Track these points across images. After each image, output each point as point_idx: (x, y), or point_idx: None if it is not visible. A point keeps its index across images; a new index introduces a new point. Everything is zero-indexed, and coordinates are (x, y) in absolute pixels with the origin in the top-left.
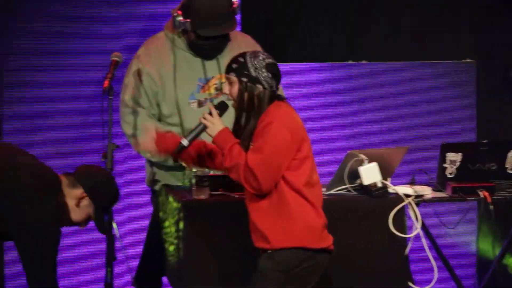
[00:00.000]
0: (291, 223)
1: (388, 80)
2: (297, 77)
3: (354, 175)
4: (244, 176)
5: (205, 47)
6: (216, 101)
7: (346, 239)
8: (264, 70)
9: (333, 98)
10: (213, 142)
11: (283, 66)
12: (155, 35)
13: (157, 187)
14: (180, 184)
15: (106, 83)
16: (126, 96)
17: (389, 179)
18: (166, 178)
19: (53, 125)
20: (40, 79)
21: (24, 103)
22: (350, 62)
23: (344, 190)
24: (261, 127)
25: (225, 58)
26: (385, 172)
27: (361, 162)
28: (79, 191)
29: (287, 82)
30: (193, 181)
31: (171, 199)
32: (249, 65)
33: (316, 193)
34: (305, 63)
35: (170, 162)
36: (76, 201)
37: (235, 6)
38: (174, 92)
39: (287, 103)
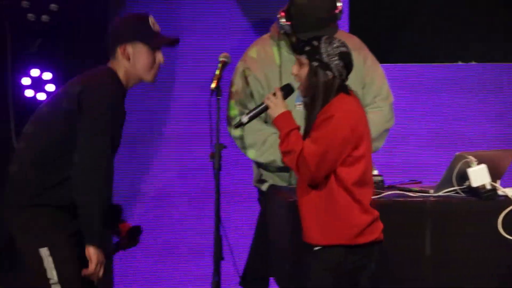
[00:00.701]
0: (332, 219)
1: (494, 81)
2: (415, 77)
3: (463, 177)
4: (297, 164)
5: None
6: None
7: (454, 241)
8: (336, 57)
9: (441, 97)
10: (273, 123)
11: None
12: (261, 37)
13: (264, 188)
14: (286, 184)
15: (214, 83)
16: (234, 97)
17: (499, 181)
18: (273, 178)
19: (160, 125)
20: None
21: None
22: (459, 62)
23: (453, 192)
24: (322, 118)
25: None
26: (495, 174)
27: (469, 164)
28: (117, 52)
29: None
30: None
31: (278, 200)
32: (322, 50)
33: (365, 191)
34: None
35: (278, 163)
36: (124, 58)
37: (337, 11)
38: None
39: (354, 95)
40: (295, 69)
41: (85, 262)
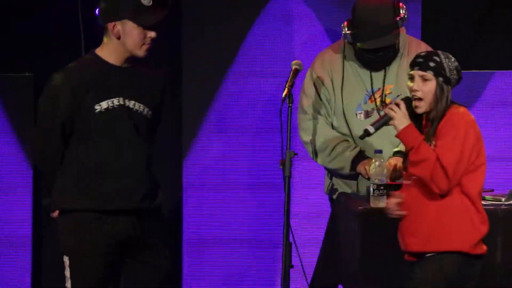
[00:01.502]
0: (455, 225)
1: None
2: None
3: None
4: (432, 173)
5: (369, 59)
6: (381, 113)
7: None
8: (455, 71)
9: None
10: (398, 135)
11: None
12: (331, 45)
13: (334, 196)
14: (355, 192)
15: (286, 91)
16: (305, 103)
17: None
18: (343, 186)
19: (228, 132)
20: (220, 86)
21: (203, 109)
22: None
23: None
24: (448, 126)
25: (393, 69)
26: None
27: None
28: (108, 28)
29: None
30: (371, 189)
31: (347, 208)
32: (445, 65)
33: (481, 200)
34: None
35: (346, 170)
36: (114, 35)
37: (399, 17)
38: (341, 103)
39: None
40: (416, 85)
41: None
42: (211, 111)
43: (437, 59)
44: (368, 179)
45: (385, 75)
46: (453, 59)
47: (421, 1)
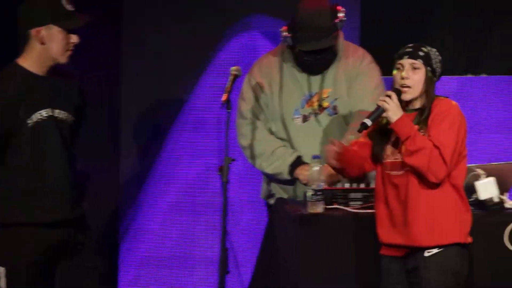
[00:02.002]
0: (450, 217)
1: (501, 94)
2: None
3: (471, 190)
4: (430, 161)
5: (309, 62)
6: (320, 117)
7: None
8: (439, 65)
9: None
10: (393, 126)
11: None
12: (269, 52)
13: (272, 201)
14: (292, 197)
15: (225, 96)
16: (244, 108)
17: (506, 194)
18: (280, 192)
19: (168, 137)
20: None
21: (143, 113)
22: (469, 75)
23: None
24: (444, 114)
25: (330, 73)
26: (502, 187)
27: (478, 177)
28: (30, 35)
29: None
30: (308, 194)
31: (285, 214)
32: (432, 56)
33: None
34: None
35: (284, 175)
36: (38, 41)
37: (338, 20)
38: (279, 107)
39: None
40: (406, 73)
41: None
42: (150, 115)
43: (425, 49)
44: (306, 184)
45: (322, 79)
46: (437, 52)
47: (360, 3)
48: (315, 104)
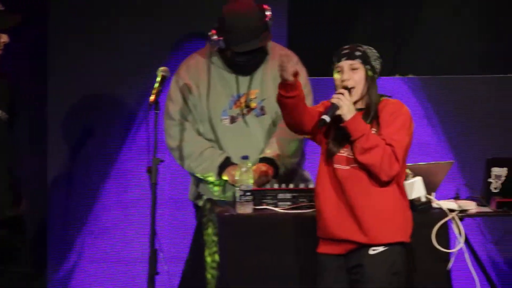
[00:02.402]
0: (396, 216)
1: (431, 93)
2: None
3: None
4: (383, 158)
5: (242, 63)
6: (248, 118)
7: None
8: (378, 61)
9: None
10: (346, 124)
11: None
12: (195, 52)
13: (200, 202)
14: (221, 198)
15: (153, 97)
16: (171, 109)
17: (434, 194)
18: (209, 193)
19: (96, 138)
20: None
21: (70, 112)
22: (397, 76)
23: None
24: (396, 114)
25: (258, 74)
26: (430, 186)
27: (405, 177)
28: None
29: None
30: (237, 195)
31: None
32: (369, 54)
33: None
34: None
35: (212, 177)
36: None
37: (267, 19)
38: (207, 109)
39: None
40: (347, 74)
41: None
42: (77, 116)
43: (361, 49)
44: (235, 185)
45: (250, 80)
46: (374, 49)
47: (287, 3)
48: (243, 105)
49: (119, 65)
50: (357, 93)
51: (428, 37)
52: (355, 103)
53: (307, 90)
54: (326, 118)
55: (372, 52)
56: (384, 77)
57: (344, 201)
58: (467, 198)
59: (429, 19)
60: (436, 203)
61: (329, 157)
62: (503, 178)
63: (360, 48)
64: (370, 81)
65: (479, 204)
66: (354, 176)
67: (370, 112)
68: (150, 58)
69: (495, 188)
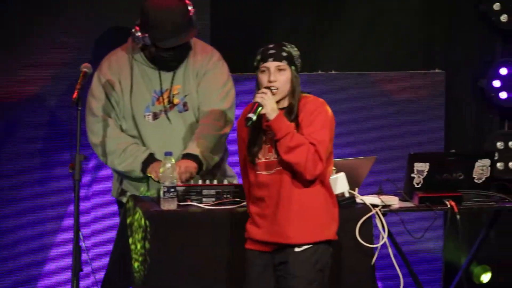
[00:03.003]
0: (322, 215)
1: (356, 90)
2: None
3: None
4: (307, 158)
5: (167, 58)
6: (170, 114)
7: None
8: (300, 61)
9: None
10: (271, 123)
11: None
12: (117, 49)
13: (124, 199)
14: (147, 194)
15: (75, 94)
16: (94, 105)
17: (357, 189)
18: (132, 189)
19: (20, 133)
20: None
21: None
22: (320, 72)
23: None
24: (316, 113)
25: (181, 69)
26: (353, 182)
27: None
28: None
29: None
30: (162, 192)
31: (138, 216)
32: (294, 54)
33: None
34: None
35: (136, 173)
36: None
37: (191, 14)
38: (130, 105)
39: None
40: (273, 76)
41: None
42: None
43: (286, 48)
44: (158, 181)
45: (173, 76)
46: (295, 48)
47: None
48: (166, 101)
49: (42, 60)
50: (282, 93)
51: (351, 33)
52: (277, 102)
53: (227, 88)
54: (252, 116)
55: (295, 52)
56: (307, 73)
57: (270, 205)
58: (390, 194)
59: (351, 15)
60: (360, 199)
61: (251, 163)
62: (425, 173)
63: (285, 48)
64: (295, 81)
65: (402, 199)
66: (279, 179)
67: (292, 111)
68: (72, 54)
69: (418, 183)
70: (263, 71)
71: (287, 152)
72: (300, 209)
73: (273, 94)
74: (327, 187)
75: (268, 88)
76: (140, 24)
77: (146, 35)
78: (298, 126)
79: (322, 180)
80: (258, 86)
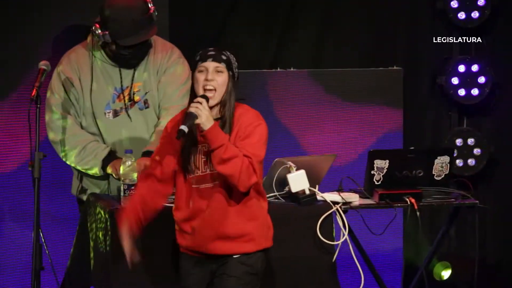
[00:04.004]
0: (259, 225)
1: (315, 87)
2: None
3: (282, 183)
4: (242, 169)
5: (127, 56)
6: (131, 111)
7: (274, 247)
8: (237, 70)
9: (262, 104)
10: (206, 133)
11: None
12: (77, 46)
13: (84, 196)
14: (106, 193)
15: (34, 91)
16: (53, 102)
17: (317, 187)
18: (92, 187)
19: None
20: None
21: None
22: (278, 69)
23: (273, 198)
24: (254, 125)
25: (141, 67)
26: (313, 179)
27: (289, 170)
28: None
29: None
30: (122, 189)
31: (98, 213)
32: (232, 61)
33: None
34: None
35: (96, 171)
36: None
37: (151, 12)
38: (90, 102)
39: None
40: (211, 75)
41: None
42: None
43: (226, 54)
44: (119, 179)
45: (134, 73)
46: (234, 57)
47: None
48: (126, 99)
49: (1, 58)
50: (218, 96)
51: (309, 30)
52: (211, 108)
53: (187, 86)
54: (184, 128)
55: (233, 59)
56: (266, 70)
57: (207, 217)
58: (350, 191)
59: (308, 13)
60: (320, 196)
61: (186, 172)
62: (385, 171)
63: (225, 53)
64: (231, 86)
65: (362, 196)
66: (216, 192)
67: (227, 122)
68: (31, 51)
69: (378, 180)
70: (201, 71)
71: (221, 163)
72: (237, 222)
73: (208, 98)
74: (262, 194)
75: (203, 97)
76: (100, 21)
77: (106, 32)
78: (232, 137)
79: (257, 190)
80: (192, 91)
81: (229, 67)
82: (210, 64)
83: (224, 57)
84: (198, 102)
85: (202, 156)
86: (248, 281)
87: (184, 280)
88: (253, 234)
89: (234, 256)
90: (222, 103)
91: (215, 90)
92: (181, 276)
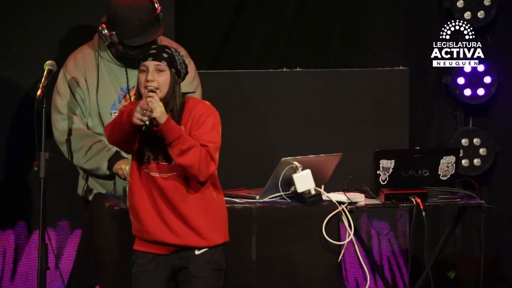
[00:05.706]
0: (217, 218)
1: (321, 87)
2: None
3: (288, 183)
4: (201, 159)
5: (134, 56)
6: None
7: (280, 247)
8: (184, 66)
9: (268, 105)
10: (161, 127)
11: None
12: (83, 46)
13: (90, 196)
14: (112, 193)
15: (40, 91)
16: (59, 103)
17: (323, 186)
18: (98, 187)
19: None
20: None
21: None
22: (285, 69)
23: (278, 198)
24: (206, 115)
25: None
26: (319, 179)
27: (295, 170)
28: None
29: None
30: (127, 189)
31: (104, 213)
32: (176, 58)
33: None
34: (238, 70)
35: (103, 171)
36: None
37: (158, 12)
38: (96, 103)
39: None
40: (151, 75)
41: None
42: None
43: (169, 51)
44: (125, 179)
45: None
46: (181, 54)
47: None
48: (132, 99)
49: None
50: (161, 95)
51: (316, 31)
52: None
53: (195, 84)
54: (145, 121)
55: (179, 56)
56: (273, 70)
57: (166, 208)
58: (356, 191)
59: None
60: (326, 196)
61: (144, 163)
62: (390, 170)
63: (168, 50)
64: (174, 83)
65: (368, 196)
66: (173, 183)
67: (175, 116)
68: (38, 51)
69: (383, 180)
70: (142, 71)
71: (180, 155)
72: (197, 213)
73: (150, 96)
74: (219, 189)
75: (153, 91)
76: (106, 21)
77: (113, 33)
78: (186, 130)
79: (213, 183)
80: (138, 86)
81: (171, 65)
82: (151, 63)
83: (165, 55)
84: (150, 96)
85: (160, 148)
86: (215, 277)
87: (136, 280)
88: (212, 226)
89: (196, 253)
90: (164, 101)
91: (157, 89)
92: (136, 273)
